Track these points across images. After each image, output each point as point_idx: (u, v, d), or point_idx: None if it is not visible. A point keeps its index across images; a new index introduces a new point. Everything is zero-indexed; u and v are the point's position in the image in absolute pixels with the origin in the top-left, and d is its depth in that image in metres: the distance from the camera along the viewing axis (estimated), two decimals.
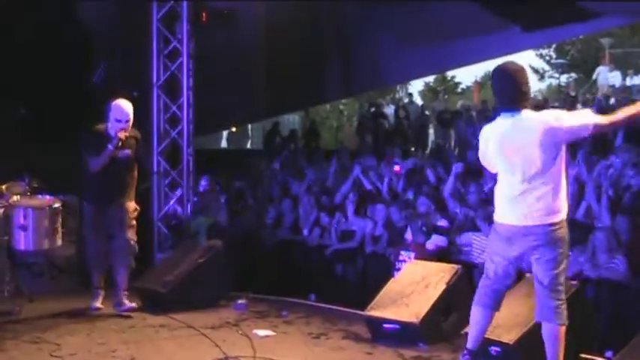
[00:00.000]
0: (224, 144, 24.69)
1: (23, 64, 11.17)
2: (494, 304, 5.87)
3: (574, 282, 6.93)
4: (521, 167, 5.50)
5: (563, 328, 5.54)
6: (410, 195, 10.89)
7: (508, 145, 5.56)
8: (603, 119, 5.48)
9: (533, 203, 5.47)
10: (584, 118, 5.47)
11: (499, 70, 5.73)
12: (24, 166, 9.32)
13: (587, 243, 8.18)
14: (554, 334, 5.54)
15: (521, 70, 5.66)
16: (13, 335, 7.44)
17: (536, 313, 5.68)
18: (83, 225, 8.74)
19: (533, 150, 5.45)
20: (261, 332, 7.60)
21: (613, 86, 23.45)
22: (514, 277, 5.87)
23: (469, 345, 5.90)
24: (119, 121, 8.21)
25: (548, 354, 5.55)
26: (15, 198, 8.72)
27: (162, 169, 11.02)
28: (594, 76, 24.81)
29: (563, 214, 5.55)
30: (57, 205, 8.75)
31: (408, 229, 9.59)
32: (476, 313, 5.90)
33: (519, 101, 5.57)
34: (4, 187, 8.79)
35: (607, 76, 24.11)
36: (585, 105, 19.41)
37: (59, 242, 8.82)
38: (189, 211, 11.06)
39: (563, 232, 5.54)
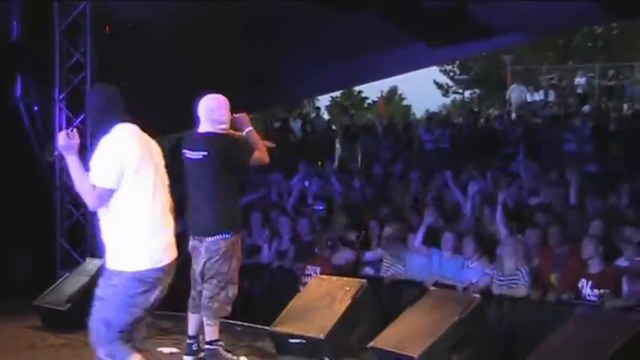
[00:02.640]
0: None
1: None
2: None
3: (476, 295, 7.06)
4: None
5: None
6: (319, 208, 10.97)
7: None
8: None
9: None
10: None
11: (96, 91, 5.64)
12: None
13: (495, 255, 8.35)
14: None
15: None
16: None
17: None
18: (231, 264, 6.90)
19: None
20: (166, 350, 7.52)
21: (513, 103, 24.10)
22: None
23: None
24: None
25: None
26: None
27: (64, 184, 10.78)
28: (508, 94, 25.39)
29: None
30: None
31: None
32: None
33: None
34: None
35: (521, 92, 24.81)
36: (489, 121, 19.82)
37: None
38: (92, 226, 10.83)
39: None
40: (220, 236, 6.77)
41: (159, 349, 7.54)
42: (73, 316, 8.41)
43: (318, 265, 9.11)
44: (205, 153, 6.78)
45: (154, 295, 5.09)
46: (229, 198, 6.90)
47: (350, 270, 9.13)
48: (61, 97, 10.76)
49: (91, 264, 9.29)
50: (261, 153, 6.87)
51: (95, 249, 10.50)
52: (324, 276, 8.40)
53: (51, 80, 10.74)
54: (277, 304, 8.06)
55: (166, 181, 5.33)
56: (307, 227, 10.11)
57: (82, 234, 10.78)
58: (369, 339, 7.09)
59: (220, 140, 6.84)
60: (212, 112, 6.86)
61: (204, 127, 6.90)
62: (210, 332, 6.93)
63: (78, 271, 9.33)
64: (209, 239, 6.78)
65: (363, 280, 7.79)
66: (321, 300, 7.53)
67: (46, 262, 10.48)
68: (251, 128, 6.99)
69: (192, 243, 6.94)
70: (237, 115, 6.99)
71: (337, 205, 11.31)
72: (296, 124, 22.21)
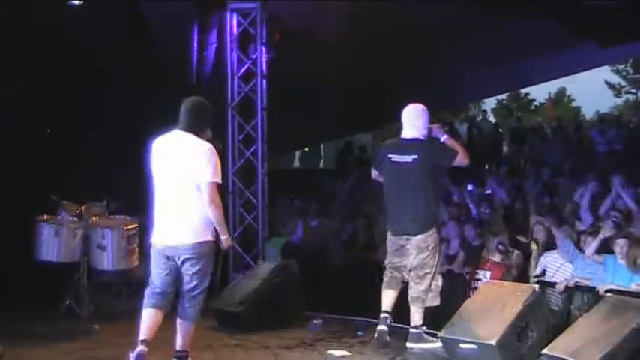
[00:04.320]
0: (297, 164, 24.78)
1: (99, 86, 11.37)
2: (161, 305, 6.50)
3: None
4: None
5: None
6: (486, 212, 10.85)
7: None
8: None
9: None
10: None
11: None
12: (103, 187, 9.50)
13: None
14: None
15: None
16: (92, 354, 7.56)
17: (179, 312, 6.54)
18: (438, 257, 7.70)
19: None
20: (337, 352, 7.59)
21: None
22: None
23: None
24: None
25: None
26: (94, 219, 8.91)
27: (237, 189, 11.10)
28: None
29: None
30: (134, 225, 8.90)
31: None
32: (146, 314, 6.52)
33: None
34: (83, 208, 8.98)
35: None
36: None
37: (136, 262, 8.97)
38: (263, 230, 11.09)
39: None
40: (427, 233, 7.41)
41: (329, 352, 7.60)
42: (246, 318, 8.65)
43: (489, 270, 9.02)
44: (415, 157, 7.41)
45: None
46: (433, 198, 7.52)
47: (520, 274, 8.99)
48: (233, 104, 11.07)
49: (263, 267, 9.52)
50: (461, 155, 7.52)
51: (266, 253, 10.79)
52: (496, 281, 8.30)
53: (223, 87, 11.07)
54: (447, 308, 8.00)
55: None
56: (473, 232, 10.03)
57: (253, 238, 11.05)
58: (541, 346, 6.94)
59: (427, 145, 7.50)
60: (417, 119, 7.53)
61: (409, 133, 7.56)
62: (417, 318, 7.54)
63: (250, 274, 9.57)
64: (418, 237, 7.42)
65: (535, 285, 7.63)
66: (493, 305, 7.41)
67: (220, 265, 10.79)
68: (447, 136, 7.69)
69: (395, 240, 7.58)
70: (432, 126, 7.63)
71: (504, 209, 11.16)
72: (462, 128, 22.00)
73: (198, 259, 6.37)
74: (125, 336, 8.21)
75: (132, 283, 9.82)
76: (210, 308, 8.88)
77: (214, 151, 6.43)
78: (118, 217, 9.09)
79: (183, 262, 6.38)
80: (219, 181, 6.45)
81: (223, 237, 6.51)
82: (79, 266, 8.75)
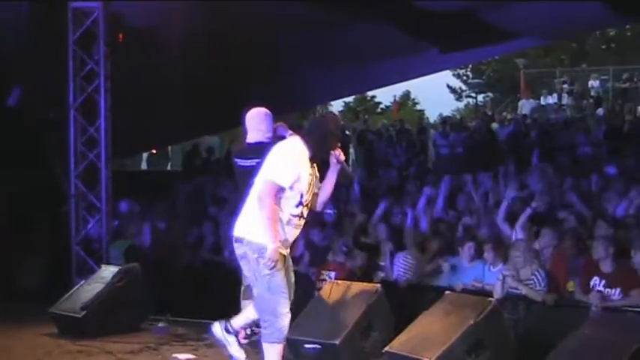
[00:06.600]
0: (144, 165, 24.46)
1: None
2: None
3: (491, 299, 7.04)
4: None
5: None
6: (328, 213, 10.95)
7: None
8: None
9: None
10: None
11: None
12: None
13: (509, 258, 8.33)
14: None
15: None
16: None
17: None
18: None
19: None
20: (182, 356, 7.54)
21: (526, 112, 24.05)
22: None
23: None
24: None
25: None
26: None
27: (79, 192, 10.83)
28: (519, 110, 25.33)
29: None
30: None
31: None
32: None
33: None
34: None
35: (530, 105, 24.83)
36: (502, 124, 19.79)
37: None
38: (107, 234, 10.87)
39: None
40: None
41: (174, 355, 7.54)
42: (89, 323, 8.46)
43: (333, 270, 9.13)
44: (258, 160, 7.17)
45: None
46: None
47: (364, 274, 9.14)
48: (76, 105, 10.81)
49: (106, 271, 9.33)
50: None
51: (110, 256, 10.59)
52: (339, 281, 8.39)
53: (65, 88, 10.79)
54: (293, 309, 8.05)
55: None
56: (319, 233, 10.13)
57: (97, 242, 10.82)
58: (384, 344, 7.08)
59: (268, 147, 7.26)
60: (260, 123, 7.65)
61: (253, 137, 7.65)
62: None
63: (93, 279, 9.35)
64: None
65: (378, 285, 7.79)
66: (337, 305, 7.52)
67: (61, 269, 10.54)
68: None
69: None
70: (276, 125, 7.71)
71: (350, 210, 11.32)
72: None
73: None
74: None
75: None
76: (50, 314, 8.66)
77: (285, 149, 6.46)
78: None
79: None
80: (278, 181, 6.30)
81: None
82: None
